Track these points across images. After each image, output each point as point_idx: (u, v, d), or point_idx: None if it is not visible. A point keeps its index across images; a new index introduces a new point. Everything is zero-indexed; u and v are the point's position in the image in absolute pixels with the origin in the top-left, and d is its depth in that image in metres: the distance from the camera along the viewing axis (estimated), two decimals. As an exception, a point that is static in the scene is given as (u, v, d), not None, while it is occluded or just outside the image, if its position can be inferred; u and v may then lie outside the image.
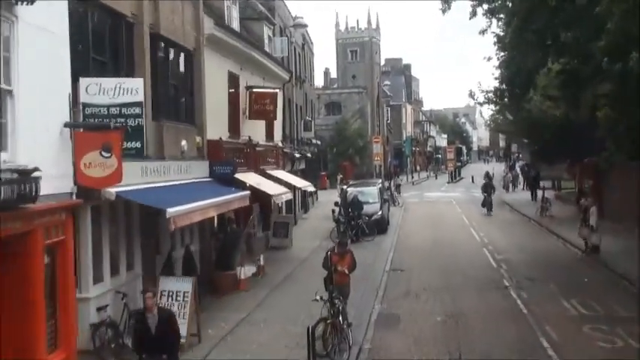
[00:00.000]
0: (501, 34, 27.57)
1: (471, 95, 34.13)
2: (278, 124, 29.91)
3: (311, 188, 32.62)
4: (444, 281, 20.78)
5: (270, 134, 28.27)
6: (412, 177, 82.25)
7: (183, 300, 14.15)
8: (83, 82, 12.20)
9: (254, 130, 25.27)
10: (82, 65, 12.65)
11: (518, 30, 23.00)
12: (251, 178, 22.28)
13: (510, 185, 56.48)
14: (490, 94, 33.64)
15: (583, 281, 20.17)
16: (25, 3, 9.68)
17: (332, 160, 66.79)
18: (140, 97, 12.62)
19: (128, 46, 14.85)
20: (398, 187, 54.71)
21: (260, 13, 29.26)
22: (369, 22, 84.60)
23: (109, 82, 12.49)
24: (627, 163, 28.53)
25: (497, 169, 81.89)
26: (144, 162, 14.69)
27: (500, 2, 25.31)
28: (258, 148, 25.21)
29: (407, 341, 14.62)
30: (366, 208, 30.75)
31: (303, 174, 39.45)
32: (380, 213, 32.03)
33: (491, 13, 25.69)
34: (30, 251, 10.38)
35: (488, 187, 41.31)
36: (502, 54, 30.45)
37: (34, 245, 10.43)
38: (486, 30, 26.36)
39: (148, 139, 15.16)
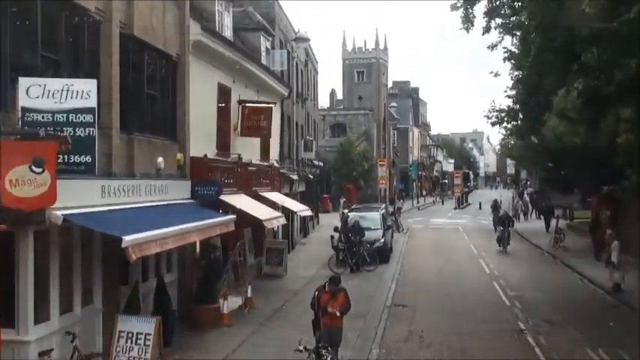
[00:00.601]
0: (515, 50, 25.71)
1: (487, 115, 31.93)
2: (275, 143, 27.85)
3: (307, 213, 30.20)
4: (451, 322, 18.52)
5: (265, 153, 26.18)
6: (418, 202, 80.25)
7: (144, 344, 12.09)
8: (23, 82, 10.13)
9: (247, 149, 23.23)
10: (27, 63, 10.60)
11: (538, 50, 21.12)
12: (240, 201, 20.19)
13: (522, 214, 53.35)
14: (502, 114, 31.64)
15: (608, 325, 17.93)
16: None
17: (335, 183, 64.77)
18: (92, 102, 10.53)
19: (91, 45, 12.84)
20: (398, 210, 52.33)
21: (257, 23, 27.29)
22: (376, 43, 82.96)
23: (55, 84, 10.41)
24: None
25: (505, 195, 79.80)
26: (106, 180, 12.65)
27: (515, 19, 23.60)
28: (250, 168, 23.12)
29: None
30: (368, 235, 28.53)
31: (303, 197, 37.45)
32: (382, 240, 29.82)
33: (504, 28, 23.98)
34: None
35: (504, 220, 35.75)
36: (515, 73, 28.66)
37: None
38: (496, 45, 24.70)
39: (115, 154, 13.22)
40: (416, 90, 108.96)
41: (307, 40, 32.60)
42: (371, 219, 31.32)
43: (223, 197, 18.79)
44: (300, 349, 11.42)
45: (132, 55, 14.60)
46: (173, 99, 17.33)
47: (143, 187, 14.41)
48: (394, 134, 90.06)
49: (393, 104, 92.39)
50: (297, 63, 35.79)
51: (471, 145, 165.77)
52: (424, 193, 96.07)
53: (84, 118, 10.44)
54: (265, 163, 25.97)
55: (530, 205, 57.29)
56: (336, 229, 29.93)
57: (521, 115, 29.67)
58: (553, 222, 38.57)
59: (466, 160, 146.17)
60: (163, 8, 16.15)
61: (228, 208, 19.14)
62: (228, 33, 22.06)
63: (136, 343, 12.08)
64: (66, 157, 10.79)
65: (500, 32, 23.82)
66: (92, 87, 10.70)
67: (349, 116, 75.69)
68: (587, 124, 29.05)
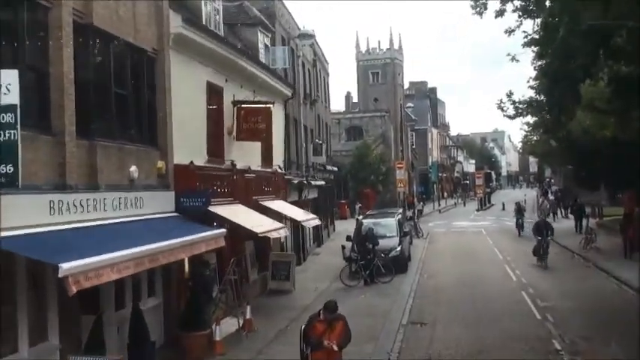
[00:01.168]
0: (535, 36, 23.47)
1: (500, 107, 29.44)
2: (278, 147, 25.72)
3: (315, 222, 27.62)
4: (476, 342, 16.18)
5: (267, 158, 24.02)
6: (439, 204, 77.89)
7: (101, 390, 9.98)
8: None
9: (246, 154, 21.18)
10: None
11: (566, 32, 18.94)
12: (234, 212, 18.12)
13: (551, 214, 49.93)
14: (524, 106, 29.28)
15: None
16: None
17: (353, 188, 62.59)
18: (13, 99, 8.44)
19: (36, 36, 10.87)
20: (419, 213, 49.89)
21: (254, 17, 25.20)
22: (390, 43, 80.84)
23: (-36, 77, 8.40)
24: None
25: (529, 194, 77.11)
26: (56, 194, 10.65)
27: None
28: (248, 175, 21.06)
29: None
30: (383, 243, 26.27)
31: (316, 204, 35.31)
32: (399, 249, 27.53)
33: (523, 11, 21.80)
34: None
35: (542, 228, 29.20)
36: (539, 62, 26.38)
37: None
38: (514, 30, 22.52)
39: (69, 163, 11.22)
40: (433, 90, 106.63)
41: (312, 36, 30.63)
42: (386, 225, 29.13)
43: (214, 208, 16.77)
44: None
45: (92, 48, 12.63)
46: (151, 100, 15.35)
47: (109, 201, 12.39)
48: (412, 136, 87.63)
49: (410, 105, 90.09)
50: (303, 62, 33.66)
51: (492, 144, 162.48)
52: (445, 195, 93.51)
53: (2, 118, 8.41)
54: (267, 170, 23.89)
55: (556, 204, 54.64)
56: (348, 238, 27.71)
57: (546, 108, 27.30)
58: (584, 222, 36.21)
59: (487, 160, 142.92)
60: (133, -4, 14.19)
61: (221, 221, 17.13)
62: (218, 27, 20.03)
63: (91, 390, 10.04)
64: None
65: (519, 16, 21.66)
66: (13, 79, 8.55)
67: (365, 119, 73.30)
68: (618, 114, 26.70)
